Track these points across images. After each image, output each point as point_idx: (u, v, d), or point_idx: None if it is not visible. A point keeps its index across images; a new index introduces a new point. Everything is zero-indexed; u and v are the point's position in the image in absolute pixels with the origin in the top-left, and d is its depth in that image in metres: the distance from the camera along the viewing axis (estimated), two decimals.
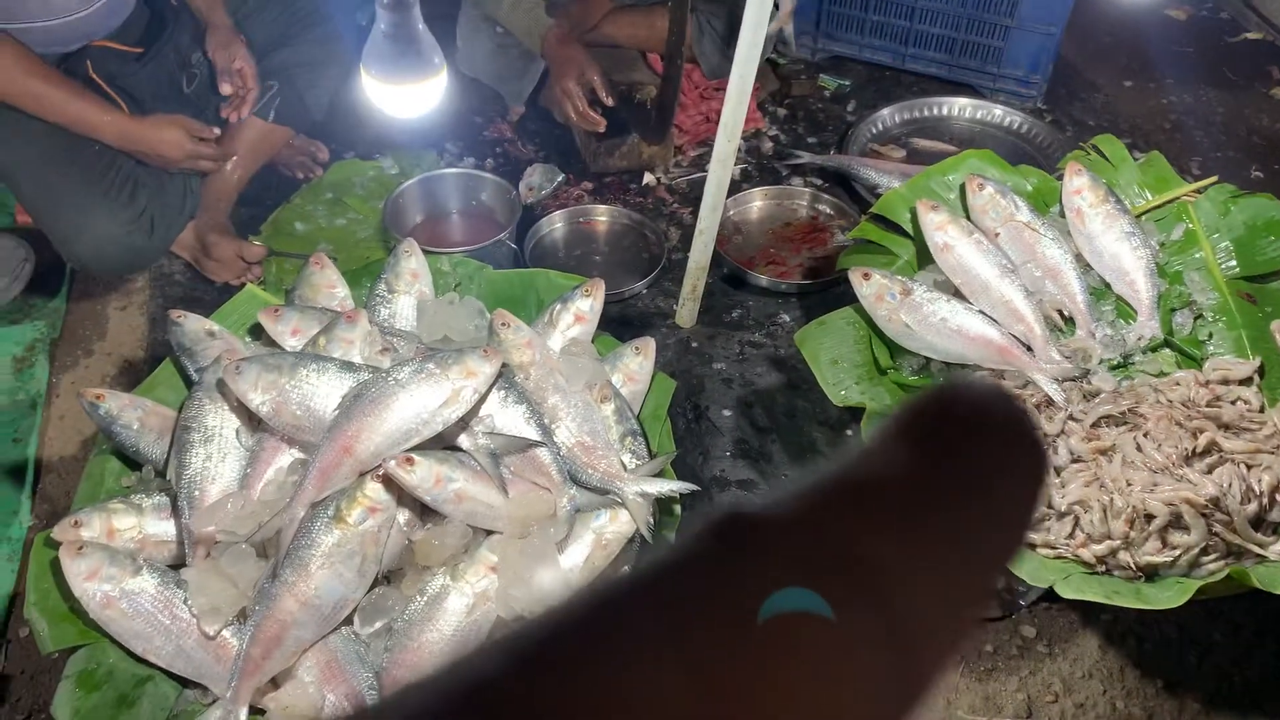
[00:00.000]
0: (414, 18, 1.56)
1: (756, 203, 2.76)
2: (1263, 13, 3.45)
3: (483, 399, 1.62)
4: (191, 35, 2.36)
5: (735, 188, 2.73)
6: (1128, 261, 2.04)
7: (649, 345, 1.86)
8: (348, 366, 1.62)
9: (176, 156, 2.24)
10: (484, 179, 2.59)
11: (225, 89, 2.31)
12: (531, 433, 1.64)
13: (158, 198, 2.32)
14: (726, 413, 2.19)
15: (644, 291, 2.49)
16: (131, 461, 1.73)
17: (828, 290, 2.47)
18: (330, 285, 1.96)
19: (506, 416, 1.65)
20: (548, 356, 1.77)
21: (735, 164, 2.78)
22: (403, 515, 1.57)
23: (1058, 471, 1.76)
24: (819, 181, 2.84)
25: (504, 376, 1.67)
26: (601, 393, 1.74)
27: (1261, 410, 1.82)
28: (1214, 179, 2.21)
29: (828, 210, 2.73)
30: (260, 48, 2.40)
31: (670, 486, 1.61)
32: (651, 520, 1.63)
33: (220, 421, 1.65)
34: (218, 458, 1.62)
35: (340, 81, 2.50)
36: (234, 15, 2.37)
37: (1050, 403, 1.88)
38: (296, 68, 2.45)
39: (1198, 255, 2.10)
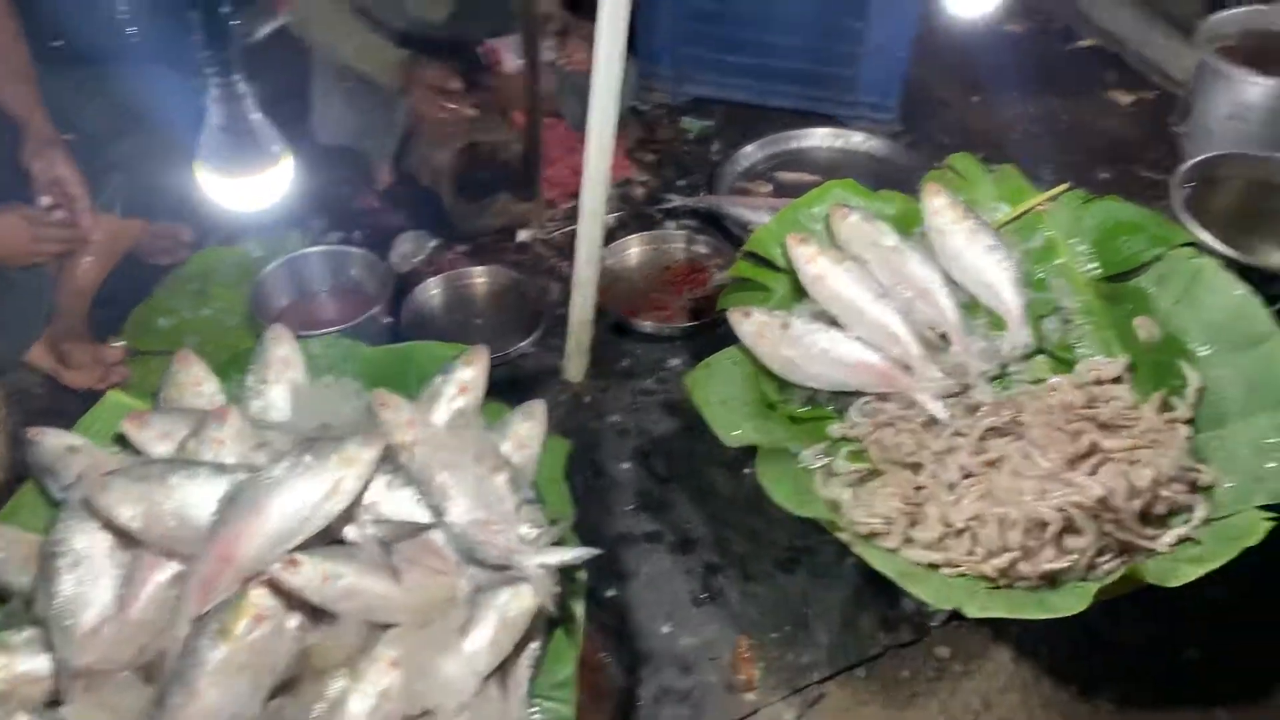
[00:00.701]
0: (247, 108, 1.51)
1: (633, 249, 2.77)
2: (1093, 20, 3.62)
3: (366, 486, 1.56)
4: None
5: (611, 236, 2.73)
6: (993, 275, 2.10)
7: (538, 408, 1.83)
8: (221, 469, 1.55)
9: (18, 244, 2.11)
10: (352, 253, 2.54)
11: (44, 201, 2.20)
12: (421, 515, 1.58)
13: (8, 303, 2.20)
14: (625, 465, 2.17)
15: (530, 350, 2.46)
16: None
17: (712, 331, 2.46)
18: (197, 383, 1.87)
19: (394, 502, 1.59)
20: (433, 433, 1.71)
21: (609, 212, 2.81)
22: (294, 619, 1.49)
23: (951, 488, 1.78)
24: (693, 223, 2.86)
25: (387, 459, 1.61)
26: (492, 464, 1.69)
27: (1135, 407, 1.88)
28: (1066, 186, 2.29)
29: (704, 251, 2.75)
30: (98, 140, 2.31)
31: (571, 555, 1.57)
32: (558, 590, 1.59)
33: (89, 542, 1.55)
34: (89, 581, 1.52)
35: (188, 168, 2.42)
36: (64, 111, 2.26)
37: (935, 420, 1.90)
38: (138, 157, 2.37)
39: (1058, 262, 2.17)
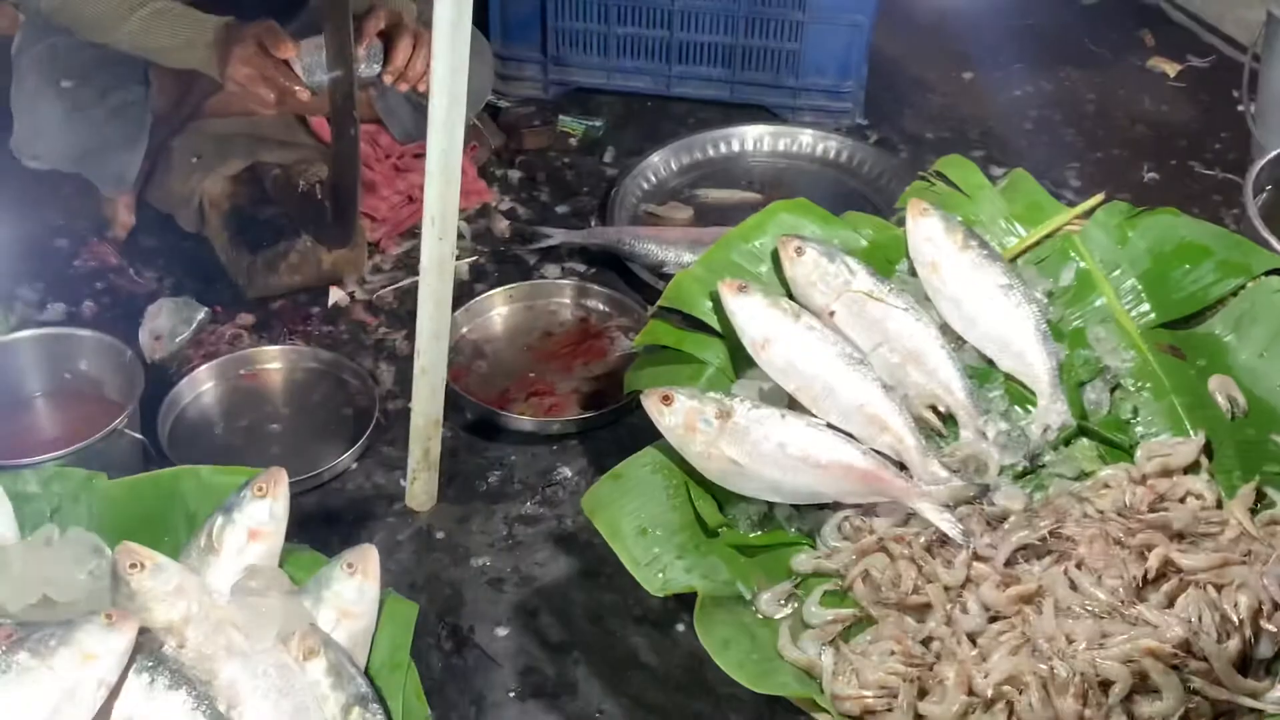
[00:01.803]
0: None
1: (499, 310, 2.75)
2: None
3: (115, 692, 1.54)
4: None
5: (466, 292, 2.73)
6: (1010, 325, 2.13)
7: (368, 556, 1.81)
8: None
9: None
10: (79, 337, 2.46)
11: None
12: None
13: None
14: (502, 631, 2.13)
15: (353, 466, 2.42)
16: None
17: (617, 422, 2.47)
18: None
19: (156, 713, 1.56)
20: (213, 605, 1.69)
21: (461, 258, 2.80)
22: None
23: (973, 639, 1.78)
24: (581, 267, 2.85)
25: (145, 649, 1.59)
26: (305, 645, 1.68)
27: (1219, 505, 1.91)
28: (1101, 196, 2.35)
29: (601, 307, 2.75)
30: None
31: None
32: None
33: None
34: None
35: None
36: None
37: (944, 540, 1.91)
38: None
39: (1099, 303, 2.22)
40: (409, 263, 2.86)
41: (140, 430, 2.33)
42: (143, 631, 1.58)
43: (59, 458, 2.13)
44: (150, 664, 1.58)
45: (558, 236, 2.91)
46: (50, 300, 2.74)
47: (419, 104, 3.01)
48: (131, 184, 2.78)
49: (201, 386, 2.56)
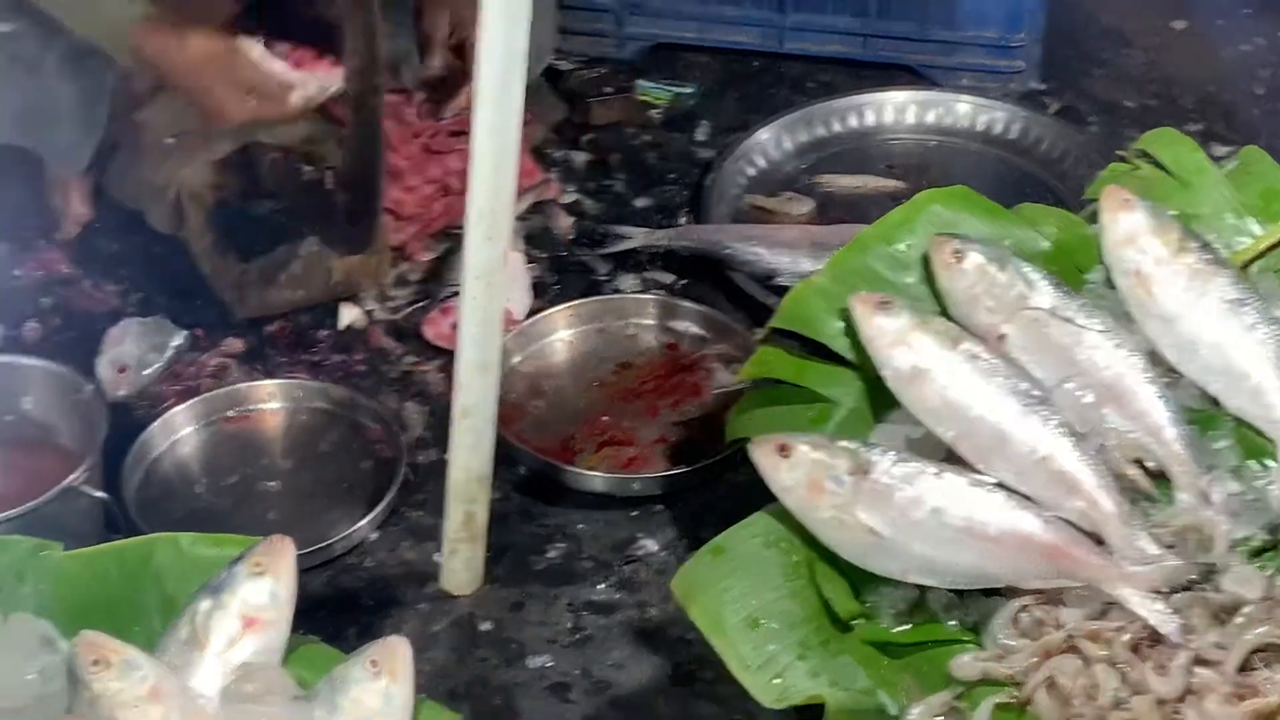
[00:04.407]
0: None
1: (561, 334, 2.77)
2: None
3: None
4: None
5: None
6: (1241, 354, 2.10)
7: (397, 653, 1.78)
8: None
9: None
10: (24, 369, 2.51)
11: None
12: None
13: None
14: None
15: (373, 536, 2.44)
16: None
17: (716, 481, 2.47)
18: None
19: None
20: (199, 714, 1.71)
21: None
22: None
23: None
24: (668, 278, 2.88)
25: None
26: None
27: None
28: None
29: (693, 330, 2.77)
30: None
31: None
32: None
33: None
34: None
35: None
36: None
37: (1155, 639, 1.88)
38: None
39: None
40: (438, 273, 2.90)
41: (101, 487, 2.35)
42: None
43: (1, 521, 2.15)
44: None
45: (637, 238, 2.93)
46: None
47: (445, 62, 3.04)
48: (86, 163, 2.81)
49: (179, 432, 2.59)
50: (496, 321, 2.08)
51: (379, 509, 2.43)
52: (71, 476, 2.27)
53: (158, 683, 1.69)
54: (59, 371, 2.48)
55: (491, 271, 2.01)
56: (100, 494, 2.34)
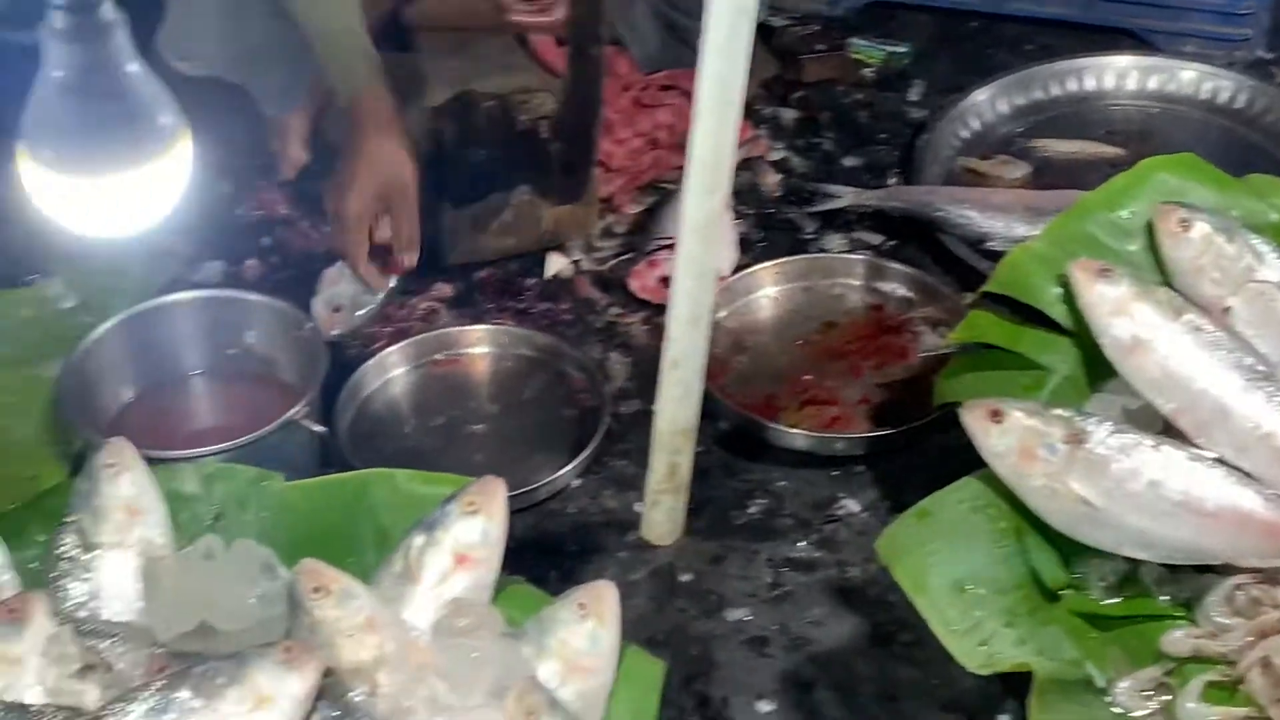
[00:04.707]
0: (117, 51, 1.57)
1: (767, 291, 2.80)
2: None
3: None
4: None
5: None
6: None
7: (605, 597, 1.85)
8: (18, 714, 1.60)
9: None
10: (249, 304, 2.59)
11: None
12: None
13: None
14: (765, 706, 2.15)
15: (575, 483, 2.48)
16: None
17: (921, 444, 2.48)
18: None
19: None
20: (411, 645, 1.75)
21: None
22: None
23: None
24: (876, 239, 2.89)
25: (329, 695, 1.64)
26: (525, 704, 1.70)
27: None
28: None
29: (901, 292, 2.78)
30: None
31: None
32: None
33: None
34: None
35: None
36: None
37: None
38: None
39: None
40: (642, 227, 2.94)
41: (319, 421, 2.43)
42: (326, 673, 1.63)
43: (223, 451, 2.22)
44: (335, 714, 1.63)
45: (846, 197, 2.94)
46: (205, 258, 2.88)
47: (670, 20, 3.08)
48: (299, 101, 2.88)
49: (390, 372, 2.66)
50: (711, 275, 2.10)
51: (583, 457, 2.46)
52: (293, 410, 2.33)
53: (373, 613, 1.74)
54: (281, 308, 2.55)
55: (709, 224, 2.02)
56: (319, 428, 2.40)
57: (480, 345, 2.71)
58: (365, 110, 2.55)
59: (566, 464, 2.46)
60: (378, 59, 2.58)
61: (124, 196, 1.72)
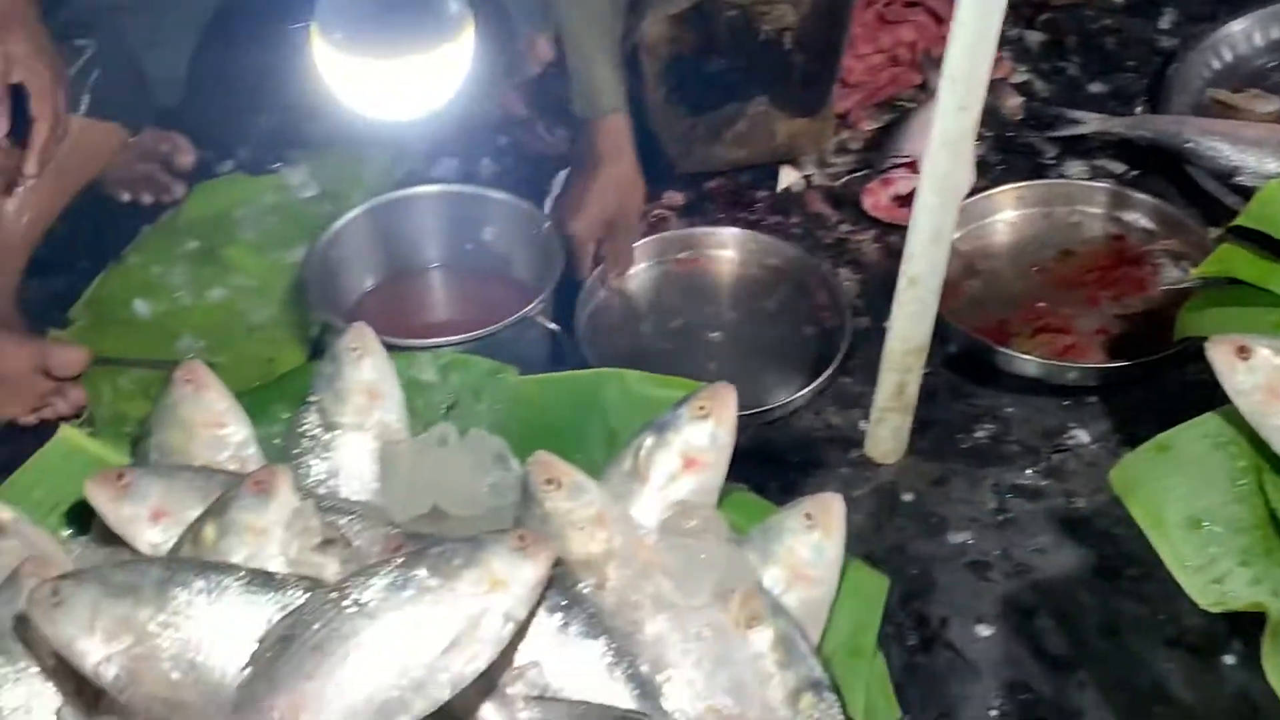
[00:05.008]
0: None
1: (1004, 215, 2.79)
2: None
3: (523, 632, 1.61)
4: None
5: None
6: None
7: (832, 509, 1.86)
8: (262, 582, 1.63)
9: None
10: (489, 200, 2.63)
11: None
12: (620, 693, 1.63)
13: None
14: (984, 630, 2.16)
15: (802, 400, 2.50)
16: None
17: (1158, 377, 2.45)
18: (215, 421, 1.98)
19: (569, 663, 1.64)
20: (639, 542, 1.77)
21: None
22: None
23: None
24: (1119, 167, 2.85)
25: (557, 586, 1.66)
26: (748, 609, 1.73)
27: None
28: None
29: (1143, 223, 2.74)
30: None
31: None
32: None
33: (24, 699, 1.66)
34: None
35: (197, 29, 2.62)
36: None
37: None
38: (123, 11, 2.54)
39: None
40: (884, 142, 2.92)
41: (554, 319, 2.47)
42: (556, 564, 1.64)
43: (461, 342, 2.27)
44: (564, 603, 1.65)
45: (1090, 123, 2.91)
46: (443, 155, 2.94)
47: None
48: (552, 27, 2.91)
49: (628, 273, 2.69)
50: (956, 193, 2.08)
51: (820, 380, 2.48)
52: (529, 306, 2.38)
53: (603, 508, 1.76)
54: (521, 206, 2.59)
55: (960, 141, 2.01)
56: (553, 326, 2.44)
57: (726, 249, 2.75)
58: (605, 134, 2.60)
59: (799, 383, 2.49)
60: (625, 86, 2.62)
61: (411, 80, 1.76)
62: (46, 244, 2.60)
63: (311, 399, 2.00)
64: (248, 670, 1.56)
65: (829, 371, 2.49)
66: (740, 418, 1.93)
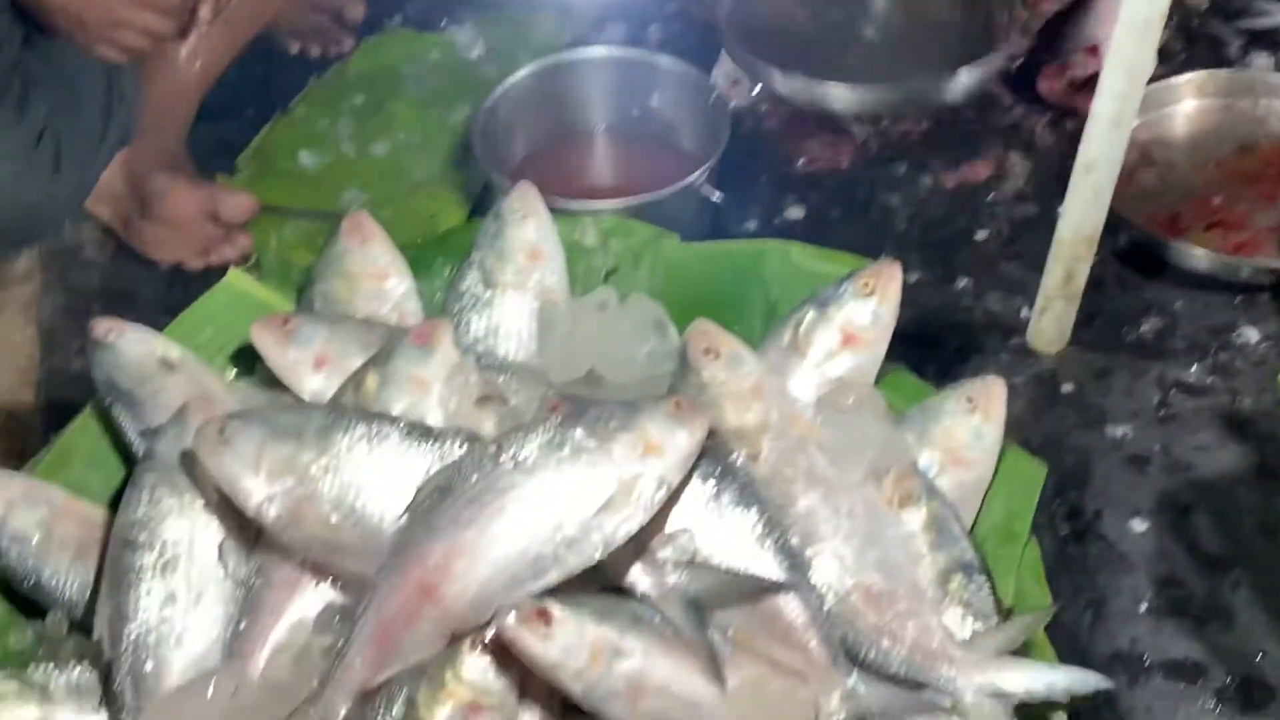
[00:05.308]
0: None
1: (1184, 105, 2.72)
2: None
3: (675, 498, 1.63)
4: None
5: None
6: None
7: (994, 393, 1.86)
8: (421, 433, 1.66)
9: (102, 16, 2.32)
10: (657, 66, 2.62)
11: None
12: (769, 564, 1.64)
13: (65, 108, 2.43)
14: (1138, 525, 2.14)
15: (961, 284, 2.49)
16: (27, 603, 1.80)
17: None
18: (379, 273, 2.02)
19: (719, 531, 1.65)
20: (795, 415, 1.77)
21: None
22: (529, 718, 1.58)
23: None
24: None
25: (711, 455, 1.67)
26: (902, 488, 1.74)
27: None
28: None
29: None
30: None
31: (1049, 681, 1.58)
32: None
33: (188, 531, 1.70)
34: (186, 600, 1.67)
35: None
36: None
37: None
38: None
39: None
40: (1065, 29, 2.83)
41: (718, 187, 2.44)
42: (710, 434, 1.64)
43: (626, 207, 2.27)
44: (717, 472, 1.65)
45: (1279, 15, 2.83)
46: (608, 20, 2.92)
47: None
48: None
49: None
50: (1141, 78, 2.03)
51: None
52: (694, 174, 2.37)
53: (760, 380, 1.77)
54: (689, 73, 2.58)
55: (1148, 26, 1.95)
56: (717, 195, 2.43)
57: None
58: None
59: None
60: None
61: None
62: (216, 91, 2.64)
63: (473, 257, 2.01)
64: (405, 517, 1.59)
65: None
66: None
